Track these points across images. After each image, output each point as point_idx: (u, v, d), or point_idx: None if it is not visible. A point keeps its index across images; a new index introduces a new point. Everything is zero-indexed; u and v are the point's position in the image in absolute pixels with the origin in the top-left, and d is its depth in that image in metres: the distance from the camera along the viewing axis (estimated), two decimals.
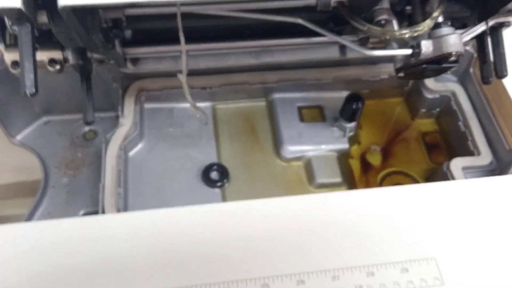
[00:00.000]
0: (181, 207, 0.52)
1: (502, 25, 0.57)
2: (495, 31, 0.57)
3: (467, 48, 0.72)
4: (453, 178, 0.65)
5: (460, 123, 0.72)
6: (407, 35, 0.51)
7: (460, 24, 0.59)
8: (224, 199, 0.67)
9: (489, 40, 0.59)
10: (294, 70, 0.75)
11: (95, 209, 0.65)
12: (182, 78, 0.56)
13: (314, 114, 0.77)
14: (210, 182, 0.68)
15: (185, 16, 0.57)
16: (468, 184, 0.59)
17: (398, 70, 0.56)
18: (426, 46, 0.52)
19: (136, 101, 0.71)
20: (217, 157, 0.71)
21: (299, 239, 0.51)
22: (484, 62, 0.59)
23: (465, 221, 0.53)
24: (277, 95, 0.76)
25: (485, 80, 0.59)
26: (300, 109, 0.76)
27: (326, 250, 0.50)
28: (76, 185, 0.68)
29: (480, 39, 0.59)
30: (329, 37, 0.55)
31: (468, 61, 0.73)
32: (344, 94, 0.77)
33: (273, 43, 0.64)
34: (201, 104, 0.75)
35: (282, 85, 0.76)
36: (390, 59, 0.58)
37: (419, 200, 0.54)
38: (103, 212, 0.59)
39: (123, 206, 0.63)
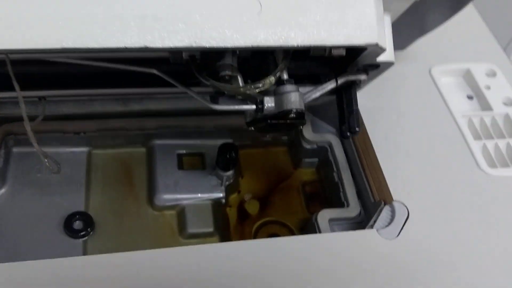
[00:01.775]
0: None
1: (353, 83, 0.58)
2: (348, 89, 0.59)
3: None
4: (319, 230, 0.65)
5: (335, 174, 0.73)
6: (248, 92, 0.52)
7: (315, 80, 0.60)
8: (85, 251, 0.65)
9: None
10: (174, 117, 0.74)
11: None
12: (26, 125, 0.54)
13: (194, 162, 0.76)
14: (71, 232, 0.65)
15: (38, 62, 0.55)
16: (322, 237, 0.60)
17: (248, 124, 0.56)
18: (268, 102, 0.53)
19: (1, 145, 0.68)
20: (84, 205, 0.68)
21: None
22: (341, 117, 0.60)
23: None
24: (156, 142, 0.75)
25: (343, 134, 0.61)
26: (180, 156, 0.75)
27: None
28: None
29: (338, 97, 0.61)
30: (180, 88, 0.55)
31: None
32: (228, 141, 0.77)
33: (137, 91, 0.63)
34: (75, 150, 0.73)
35: (162, 132, 0.75)
36: None
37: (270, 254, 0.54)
38: None
39: None
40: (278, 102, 0.52)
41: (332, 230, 0.66)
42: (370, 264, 0.56)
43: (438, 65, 0.79)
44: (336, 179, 0.72)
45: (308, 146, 0.76)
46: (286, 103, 0.52)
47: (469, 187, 0.64)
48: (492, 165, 0.67)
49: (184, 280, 0.52)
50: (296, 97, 0.52)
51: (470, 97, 0.77)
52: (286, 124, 0.54)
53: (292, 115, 0.52)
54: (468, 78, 0.79)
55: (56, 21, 0.43)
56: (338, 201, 0.71)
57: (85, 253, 0.64)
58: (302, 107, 0.52)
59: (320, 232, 0.65)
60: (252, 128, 0.56)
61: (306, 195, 0.77)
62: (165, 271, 0.53)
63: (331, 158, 0.75)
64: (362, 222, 0.68)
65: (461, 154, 0.67)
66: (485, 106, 0.75)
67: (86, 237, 0.66)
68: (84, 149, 0.74)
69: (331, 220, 0.66)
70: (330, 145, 0.75)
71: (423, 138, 0.69)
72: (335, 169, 0.73)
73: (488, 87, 0.77)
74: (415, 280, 0.55)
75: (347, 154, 0.74)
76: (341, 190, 0.71)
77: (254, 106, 0.53)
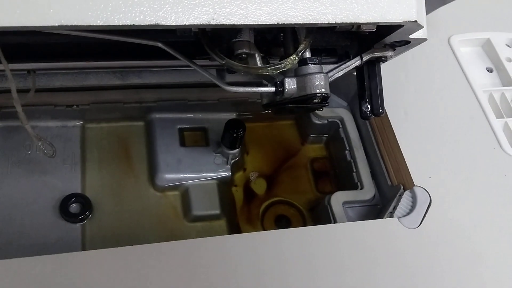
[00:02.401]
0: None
1: (378, 59, 0.53)
2: (372, 66, 0.54)
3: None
4: (332, 213, 0.62)
5: (347, 152, 0.69)
6: (267, 72, 0.46)
7: (338, 56, 0.54)
8: (84, 236, 0.60)
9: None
10: (175, 89, 0.68)
11: None
12: (17, 106, 0.48)
13: (196, 138, 0.71)
14: (68, 216, 0.60)
15: (27, 32, 0.49)
16: (340, 227, 0.56)
17: (265, 107, 0.51)
18: (290, 85, 0.47)
19: None
20: (80, 186, 0.63)
21: None
22: (362, 97, 0.55)
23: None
24: (156, 115, 0.69)
25: (363, 115, 0.56)
26: (181, 131, 0.70)
27: None
28: None
29: (359, 73, 0.55)
30: (187, 64, 0.49)
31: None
32: (231, 116, 0.72)
33: (137, 64, 0.57)
34: (68, 123, 0.67)
35: (162, 105, 0.69)
36: None
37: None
38: None
39: None
40: (300, 85, 0.47)
41: (346, 214, 0.62)
42: (392, 256, 0.53)
43: (458, 34, 0.73)
44: (349, 157, 0.68)
45: (318, 121, 0.71)
46: (310, 86, 0.47)
47: (493, 170, 0.61)
48: None
49: (193, 274, 0.48)
50: (321, 80, 0.47)
51: (489, 70, 0.73)
52: (307, 107, 0.49)
53: (317, 99, 0.47)
54: (488, 48, 0.74)
55: None
56: (350, 182, 0.67)
57: (84, 239, 0.60)
58: (328, 90, 0.47)
59: (333, 216, 0.61)
60: (269, 110, 0.51)
61: (315, 173, 0.73)
62: (173, 265, 0.49)
63: (342, 134, 0.70)
64: (377, 205, 0.65)
65: (483, 134, 0.64)
66: (506, 80, 0.71)
67: (84, 221, 0.61)
68: (77, 122, 0.68)
69: (344, 203, 0.63)
70: (342, 121, 0.71)
71: (444, 116, 0.65)
72: (347, 147, 0.69)
73: (510, 60, 0.72)
74: (439, 272, 0.52)
75: (360, 131, 0.70)
76: (354, 170, 0.67)
77: (273, 89, 0.48)
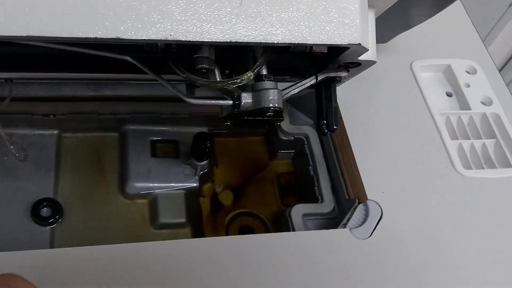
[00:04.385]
0: None
1: (333, 79, 0.57)
2: (328, 85, 0.57)
3: None
4: (292, 225, 0.65)
5: (310, 168, 0.72)
6: (225, 86, 0.50)
7: (301, 75, 0.58)
8: (52, 239, 0.63)
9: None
10: (148, 103, 0.72)
11: None
12: None
13: (168, 149, 0.74)
14: (39, 219, 0.63)
15: (3, 42, 0.52)
16: (295, 236, 0.59)
17: (224, 119, 0.55)
18: (246, 99, 0.51)
19: None
20: (53, 192, 0.66)
21: None
22: (320, 115, 0.59)
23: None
24: (129, 127, 0.73)
25: (320, 131, 0.59)
26: (153, 143, 0.73)
27: None
28: None
29: (317, 92, 0.59)
30: (153, 77, 0.53)
31: None
32: (202, 129, 0.76)
33: (110, 77, 0.61)
34: (44, 132, 0.70)
35: (136, 117, 0.72)
36: None
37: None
38: None
39: None
40: (255, 99, 0.51)
41: (305, 226, 0.65)
42: (342, 264, 0.56)
43: (419, 60, 0.78)
44: (312, 173, 0.72)
45: (284, 137, 0.75)
46: (264, 101, 0.50)
47: (443, 188, 0.64)
48: (467, 166, 0.67)
49: (153, 276, 0.51)
50: (274, 95, 0.50)
51: (449, 94, 0.77)
52: (263, 120, 0.53)
53: (270, 113, 0.50)
54: (449, 74, 0.78)
55: (22, 7, 0.40)
56: (312, 196, 0.71)
57: (52, 241, 0.62)
58: (280, 105, 0.50)
59: (293, 227, 0.64)
60: (228, 123, 0.55)
61: (281, 187, 0.76)
62: (134, 266, 0.52)
63: (307, 151, 0.74)
64: (335, 218, 0.68)
65: (437, 154, 0.67)
66: (464, 104, 0.75)
67: (54, 225, 0.64)
68: (53, 131, 0.71)
69: (304, 215, 0.66)
70: (307, 137, 0.74)
71: (401, 136, 0.68)
72: (310, 162, 0.73)
73: (468, 85, 0.76)
74: (386, 280, 0.55)
75: (323, 147, 0.73)
76: (316, 184, 0.70)
77: (230, 102, 0.51)
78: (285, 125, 0.74)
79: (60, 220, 0.64)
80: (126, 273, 0.51)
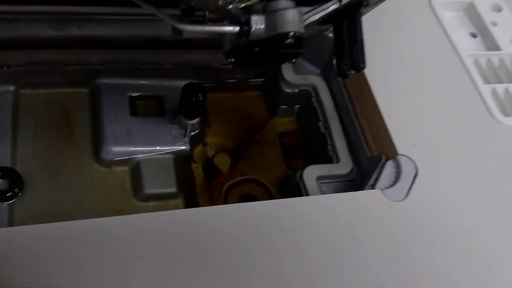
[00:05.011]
0: None
1: (359, 4, 0.46)
2: (351, 13, 0.46)
3: (331, 35, 0.61)
4: (305, 189, 0.54)
5: (320, 124, 0.62)
6: (230, 6, 0.38)
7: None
8: (11, 216, 0.51)
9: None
10: (126, 50, 0.60)
11: None
12: None
13: (150, 107, 0.62)
14: None
15: None
16: (315, 200, 0.49)
17: (227, 54, 0.43)
18: (257, 23, 0.39)
19: None
20: (10, 160, 0.54)
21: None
22: (340, 51, 0.48)
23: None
24: (103, 81, 0.61)
25: (340, 72, 0.48)
26: (132, 99, 0.61)
27: None
28: None
29: (337, 22, 0.48)
30: (137, 3, 0.40)
31: (331, 50, 0.62)
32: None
33: (77, 10, 0.48)
34: None
35: (111, 68, 0.60)
36: None
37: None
38: None
39: None
40: (269, 23, 0.39)
41: (321, 190, 0.55)
42: (375, 232, 0.46)
43: None
44: (323, 129, 0.61)
45: (288, 90, 0.64)
46: (281, 24, 0.39)
47: (482, 138, 0.54)
48: (505, 113, 0.57)
49: (140, 256, 0.40)
50: (294, 16, 0.39)
51: (473, 35, 0.67)
52: (277, 54, 0.41)
53: (289, 40, 0.39)
54: (471, 12, 0.68)
55: None
56: (324, 156, 0.60)
57: (11, 220, 0.50)
58: (302, 29, 0.39)
59: (307, 193, 0.54)
60: (232, 60, 0.43)
61: (285, 148, 0.65)
62: (116, 244, 0.41)
63: (315, 104, 0.63)
64: (355, 180, 0.57)
65: (471, 100, 0.57)
66: (491, 45, 0.65)
67: (12, 200, 0.51)
68: (9, 87, 0.58)
69: (318, 178, 0.55)
70: (315, 89, 0.63)
71: (428, 81, 0.58)
72: (321, 117, 0.62)
73: (495, 24, 0.66)
74: (428, 248, 0.45)
75: (335, 99, 0.62)
76: (329, 142, 0.60)
77: (237, 28, 0.40)
78: (289, 74, 0.63)
79: (20, 194, 0.52)
80: (106, 252, 0.40)
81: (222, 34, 0.42)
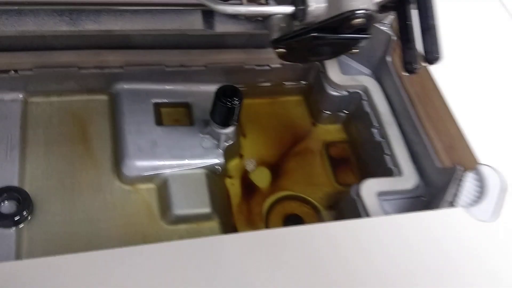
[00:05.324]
0: None
1: None
2: None
3: (384, 28, 0.53)
4: (364, 208, 0.45)
5: (375, 130, 0.53)
6: None
7: None
8: (19, 244, 0.43)
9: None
10: (149, 50, 0.52)
11: None
12: None
13: (178, 115, 0.55)
14: None
15: None
16: (379, 221, 0.40)
17: (275, 43, 0.35)
18: (316, 1, 0.31)
19: None
20: (18, 178, 0.46)
21: None
22: (406, 41, 0.40)
23: None
24: (123, 86, 0.54)
25: (407, 66, 0.40)
26: (157, 107, 0.54)
27: None
28: None
29: (400, 9, 0.40)
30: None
31: (384, 46, 0.54)
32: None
33: (93, 0, 0.40)
34: (4, 96, 0.50)
35: (132, 72, 0.53)
36: None
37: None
38: None
39: None
40: (331, 0, 0.31)
41: (383, 210, 0.46)
42: (463, 260, 0.37)
43: None
44: (378, 137, 0.53)
45: (334, 93, 0.56)
46: (346, 0, 0.30)
47: None
48: None
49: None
50: None
51: None
52: (339, 40, 0.33)
53: (358, 20, 0.31)
54: None
55: None
56: (382, 168, 0.51)
57: (19, 248, 0.43)
58: (373, 7, 0.31)
59: (367, 213, 0.45)
60: (282, 49, 0.35)
61: (332, 160, 0.57)
62: (143, 276, 0.33)
63: (368, 108, 0.55)
64: (422, 196, 0.48)
65: None
66: None
67: (21, 224, 0.44)
68: (17, 95, 0.51)
69: (379, 195, 0.46)
70: (366, 91, 0.55)
71: (507, 76, 0.49)
72: (375, 123, 0.53)
73: None
74: None
75: (391, 102, 0.54)
76: (388, 152, 0.51)
77: (290, 8, 0.31)
78: (335, 75, 0.55)
79: (29, 218, 0.45)
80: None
81: (269, 19, 0.34)
